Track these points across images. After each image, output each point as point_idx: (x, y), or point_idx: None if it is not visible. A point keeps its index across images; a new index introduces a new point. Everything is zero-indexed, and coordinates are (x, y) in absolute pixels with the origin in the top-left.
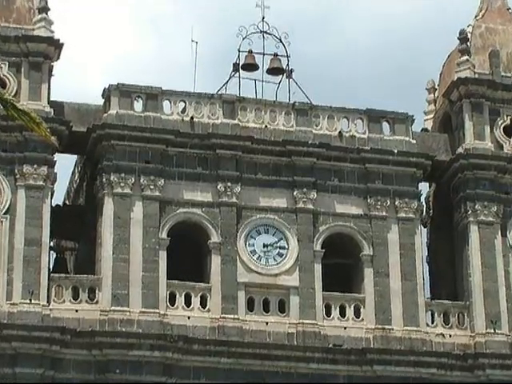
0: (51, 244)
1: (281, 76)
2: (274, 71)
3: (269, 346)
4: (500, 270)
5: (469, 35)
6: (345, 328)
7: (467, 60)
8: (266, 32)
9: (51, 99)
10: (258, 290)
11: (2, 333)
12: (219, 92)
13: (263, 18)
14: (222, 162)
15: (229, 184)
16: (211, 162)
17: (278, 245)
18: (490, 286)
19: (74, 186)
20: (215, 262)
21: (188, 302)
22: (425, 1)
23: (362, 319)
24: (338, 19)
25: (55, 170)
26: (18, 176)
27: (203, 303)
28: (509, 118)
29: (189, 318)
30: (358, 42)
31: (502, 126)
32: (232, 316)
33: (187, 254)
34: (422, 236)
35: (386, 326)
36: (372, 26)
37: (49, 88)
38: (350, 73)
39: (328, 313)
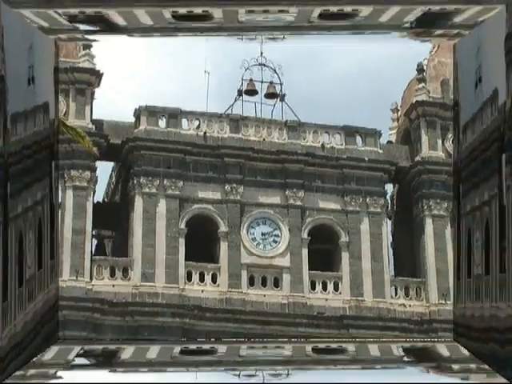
0: (93, 233)
1: (275, 99)
2: (270, 96)
3: (266, 313)
4: (449, 254)
5: (425, 67)
6: (326, 299)
7: (423, 87)
8: (263, 64)
9: (93, 118)
10: (257, 270)
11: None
12: (227, 112)
13: (261, 53)
14: (229, 167)
15: (234, 185)
16: (220, 167)
17: (273, 233)
18: (442, 266)
19: (112, 186)
20: (223, 247)
21: (202, 279)
22: (392, 43)
23: (340, 292)
24: (322, 53)
25: (96, 174)
26: (66, 179)
27: (214, 280)
28: None
29: (202, 291)
30: (338, 71)
31: (451, 139)
32: (237, 290)
33: (201, 241)
34: (387, 227)
35: (359, 298)
36: (350, 58)
37: (91, 109)
38: (331, 96)
39: (313, 287)
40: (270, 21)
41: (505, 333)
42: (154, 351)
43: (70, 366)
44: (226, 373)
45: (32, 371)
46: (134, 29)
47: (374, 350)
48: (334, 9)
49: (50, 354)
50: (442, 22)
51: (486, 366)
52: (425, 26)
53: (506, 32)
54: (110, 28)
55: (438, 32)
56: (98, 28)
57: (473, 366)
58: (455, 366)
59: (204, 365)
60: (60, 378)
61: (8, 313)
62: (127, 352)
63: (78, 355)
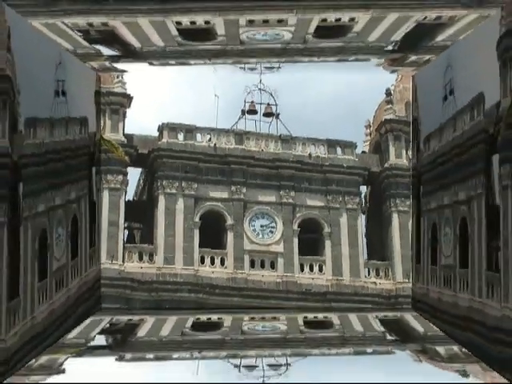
0: (125, 225)
1: (272, 118)
2: (267, 115)
3: (264, 290)
4: (411, 242)
5: (392, 91)
6: (313, 279)
7: (391, 107)
8: (261, 89)
9: (125, 132)
10: (257, 255)
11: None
12: (232, 128)
13: (260, 81)
14: (234, 172)
15: (238, 187)
16: (227, 172)
17: (270, 226)
18: (405, 252)
19: (140, 188)
20: (230, 237)
21: (212, 262)
22: (369, 73)
23: (324, 273)
24: (311, 81)
25: (127, 178)
26: (103, 182)
27: (222, 263)
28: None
29: (213, 272)
30: (323, 95)
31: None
32: (240, 271)
33: (212, 232)
34: (361, 220)
35: (339, 278)
36: (334, 85)
37: (123, 125)
38: (317, 115)
39: (302, 269)
40: (268, 41)
41: (497, 332)
42: (169, 324)
43: (83, 351)
44: (228, 363)
45: (42, 360)
46: (148, 52)
47: (354, 321)
48: (332, 17)
49: (76, 331)
50: (425, 41)
51: (469, 352)
52: (406, 48)
53: (500, 33)
54: (128, 52)
55: (411, 59)
56: (117, 52)
57: (457, 350)
58: (441, 350)
59: (208, 347)
60: (63, 372)
61: (21, 309)
62: (146, 326)
63: (101, 331)
